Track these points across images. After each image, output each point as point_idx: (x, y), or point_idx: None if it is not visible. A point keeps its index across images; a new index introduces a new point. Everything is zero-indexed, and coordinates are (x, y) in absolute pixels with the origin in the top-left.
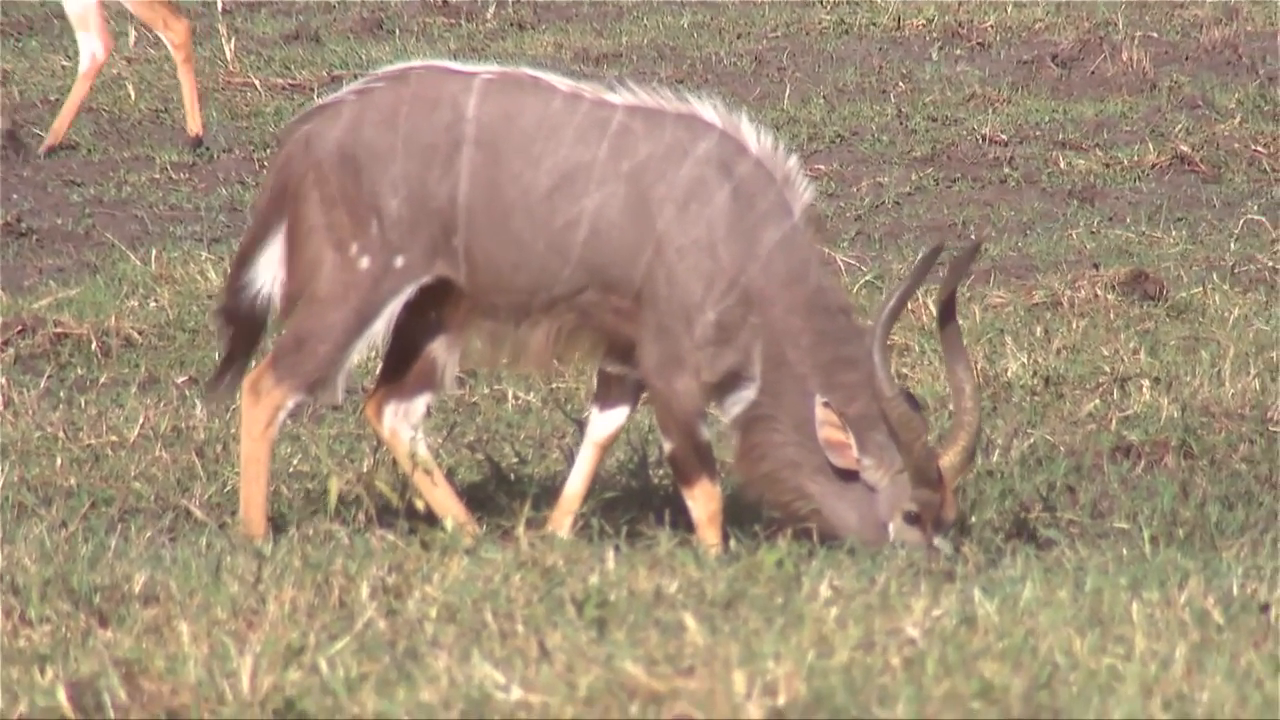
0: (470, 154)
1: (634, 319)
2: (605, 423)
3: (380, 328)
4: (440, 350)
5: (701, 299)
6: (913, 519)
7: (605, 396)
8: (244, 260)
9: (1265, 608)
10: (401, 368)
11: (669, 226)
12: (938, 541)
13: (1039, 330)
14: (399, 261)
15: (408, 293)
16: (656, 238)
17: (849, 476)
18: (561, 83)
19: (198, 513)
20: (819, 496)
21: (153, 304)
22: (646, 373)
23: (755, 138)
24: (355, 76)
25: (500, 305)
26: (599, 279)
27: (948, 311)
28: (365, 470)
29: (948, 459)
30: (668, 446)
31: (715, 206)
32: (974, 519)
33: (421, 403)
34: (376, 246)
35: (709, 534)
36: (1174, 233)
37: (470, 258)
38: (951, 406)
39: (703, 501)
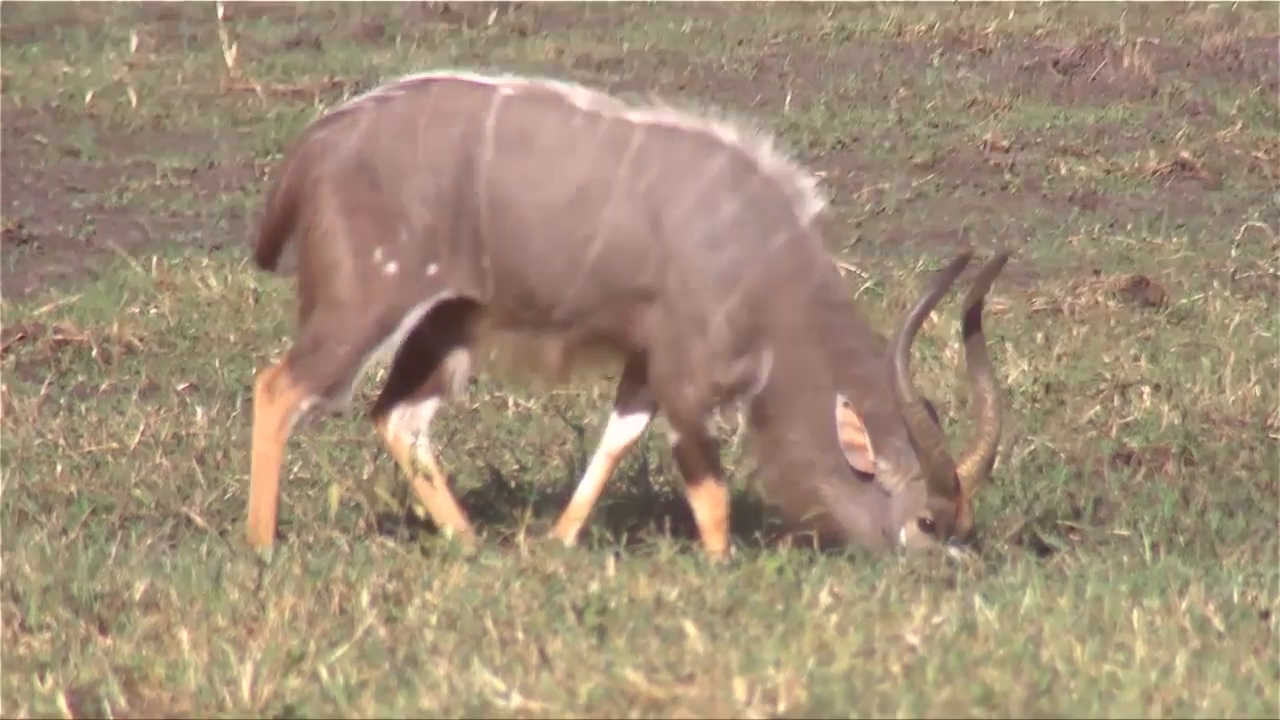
0: (487, 169)
1: (647, 330)
2: (621, 432)
3: (400, 336)
4: (454, 358)
5: (712, 307)
6: (927, 526)
7: (625, 405)
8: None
9: (1266, 614)
10: (412, 375)
11: (679, 241)
12: (951, 549)
13: (1040, 337)
14: (431, 269)
15: (431, 302)
16: (667, 252)
17: (863, 480)
18: (582, 98)
19: (198, 520)
20: (831, 499)
21: (154, 311)
22: (656, 378)
23: (768, 154)
24: (356, 83)
25: (520, 318)
26: (613, 293)
27: (973, 321)
28: (366, 477)
29: (966, 468)
30: (674, 437)
31: (722, 221)
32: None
33: (429, 408)
34: (407, 254)
35: (714, 539)
36: (1175, 239)
37: (493, 270)
38: (973, 416)
39: (708, 504)
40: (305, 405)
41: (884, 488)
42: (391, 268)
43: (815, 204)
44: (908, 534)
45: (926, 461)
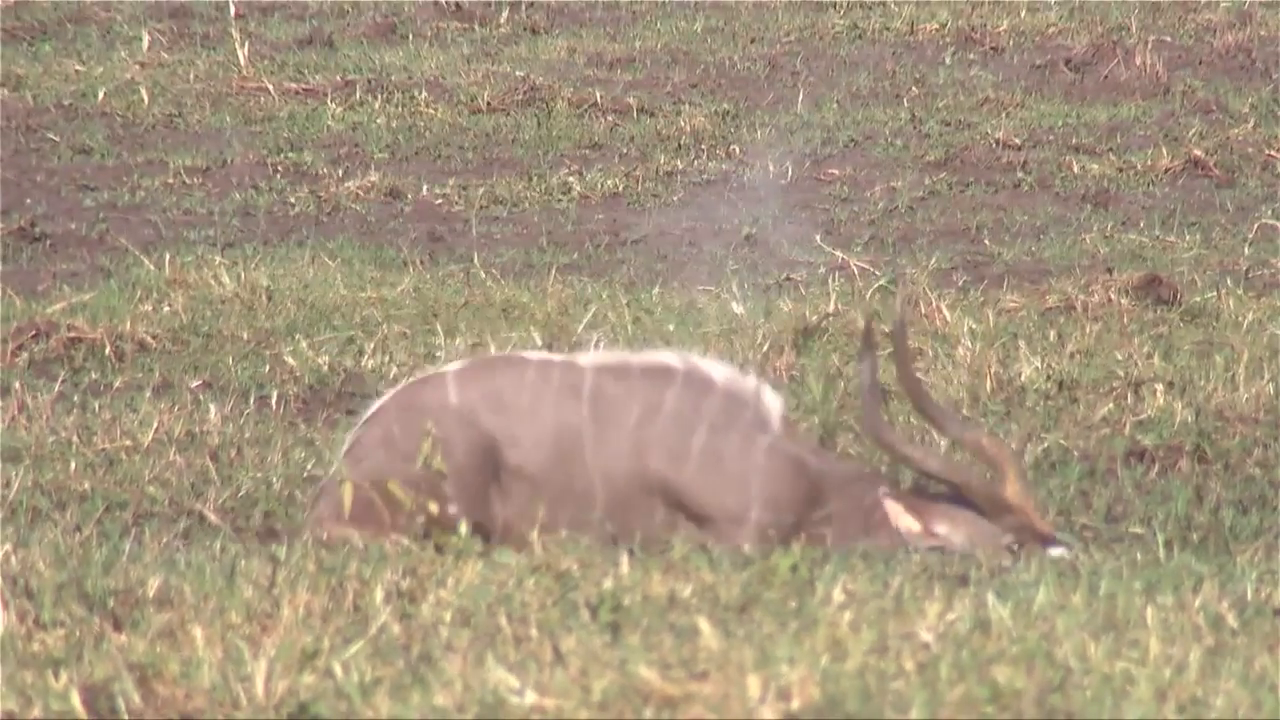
0: (470, 445)
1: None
2: None
3: None
4: None
5: (734, 519)
6: (1015, 550)
7: None
8: None
9: (1279, 612)
10: None
11: (670, 472)
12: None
13: (1053, 334)
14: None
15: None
16: (663, 484)
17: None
18: (530, 354)
19: (211, 517)
20: None
21: (166, 308)
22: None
23: (718, 371)
24: (369, 81)
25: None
26: (642, 516)
27: (915, 388)
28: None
29: (1010, 489)
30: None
31: (700, 443)
32: None
33: None
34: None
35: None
36: (1187, 237)
37: (516, 520)
38: (981, 464)
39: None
40: None
41: (958, 548)
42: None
43: (775, 402)
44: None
45: (971, 493)
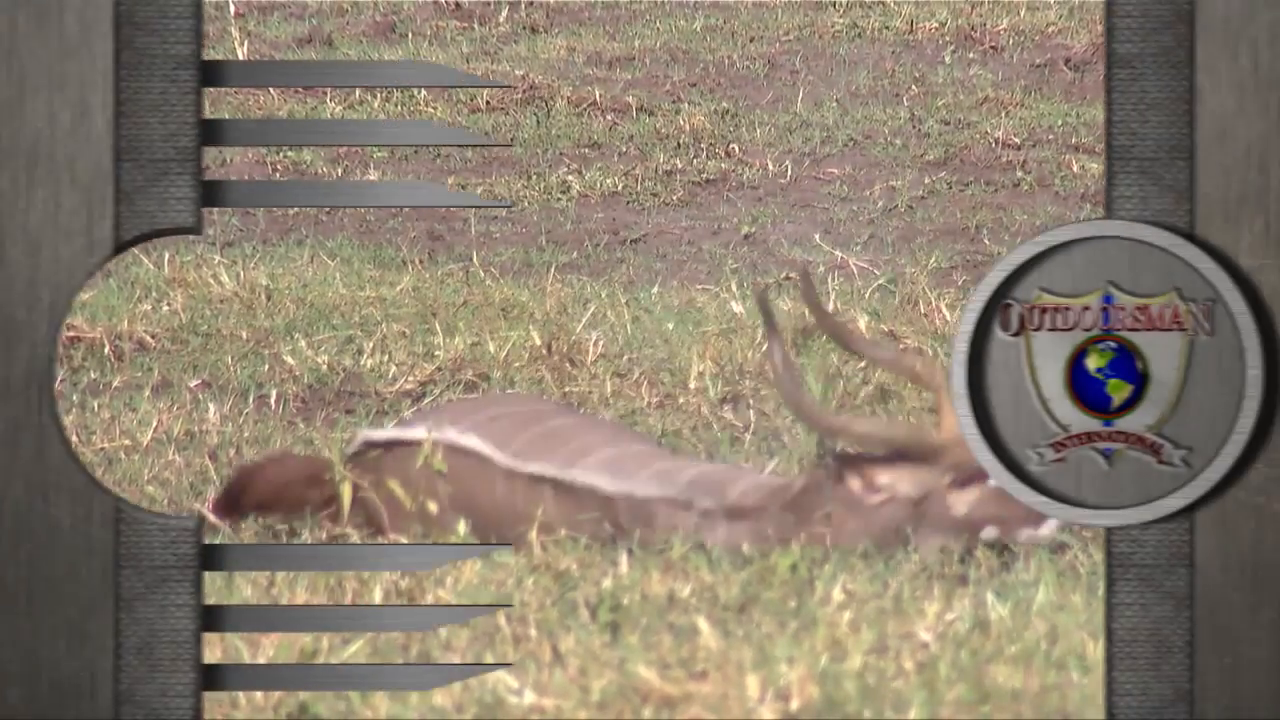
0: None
1: None
2: None
3: None
4: None
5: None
6: (961, 483)
7: None
8: None
9: None
10: None
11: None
12: (1049, 526)
13: None
14: None
15: None
16: None
17: (891, 517)
18: (479, 444)
19: (210, 516)
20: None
21: (166, 308)
22: None
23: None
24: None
25: None
26: None
27: (834, 327)
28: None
29: (946, 420)
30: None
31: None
32: None
33: None
34: None
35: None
36: None
37: None
38: (918, 388)
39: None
40: None
41: (906, 494)
42: None
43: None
44: (956, 504)
45: (904, 445)
